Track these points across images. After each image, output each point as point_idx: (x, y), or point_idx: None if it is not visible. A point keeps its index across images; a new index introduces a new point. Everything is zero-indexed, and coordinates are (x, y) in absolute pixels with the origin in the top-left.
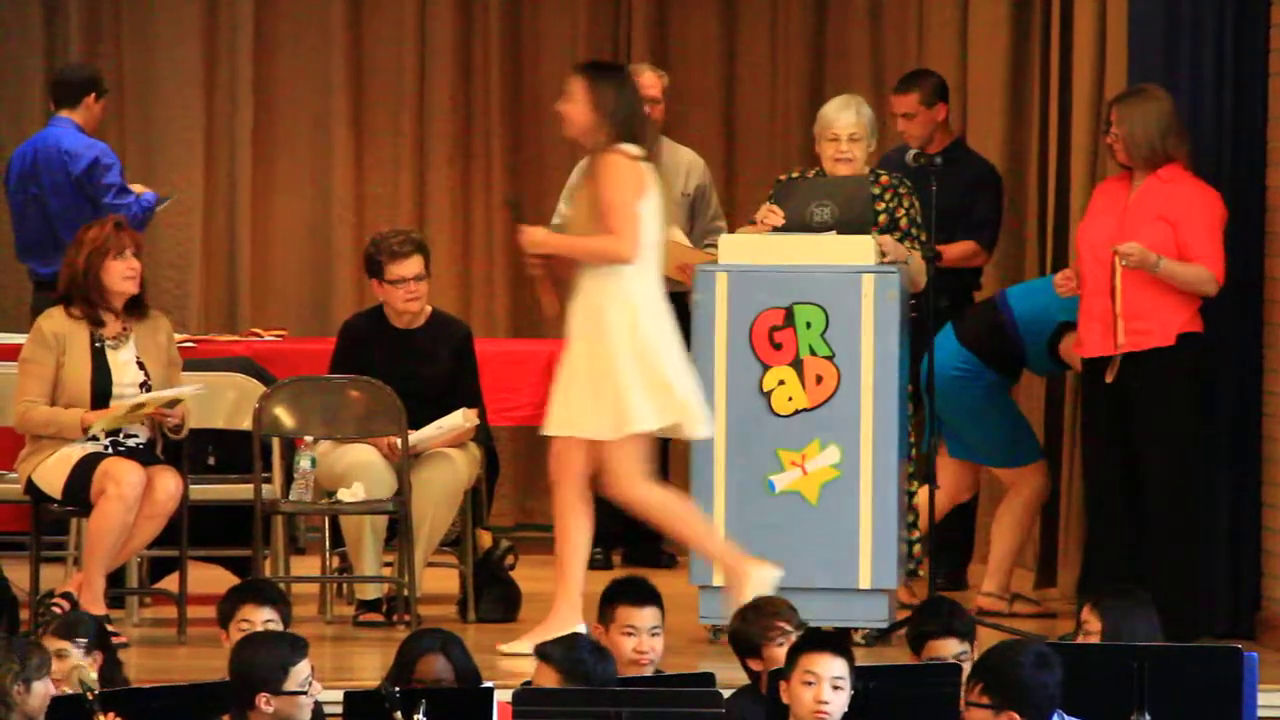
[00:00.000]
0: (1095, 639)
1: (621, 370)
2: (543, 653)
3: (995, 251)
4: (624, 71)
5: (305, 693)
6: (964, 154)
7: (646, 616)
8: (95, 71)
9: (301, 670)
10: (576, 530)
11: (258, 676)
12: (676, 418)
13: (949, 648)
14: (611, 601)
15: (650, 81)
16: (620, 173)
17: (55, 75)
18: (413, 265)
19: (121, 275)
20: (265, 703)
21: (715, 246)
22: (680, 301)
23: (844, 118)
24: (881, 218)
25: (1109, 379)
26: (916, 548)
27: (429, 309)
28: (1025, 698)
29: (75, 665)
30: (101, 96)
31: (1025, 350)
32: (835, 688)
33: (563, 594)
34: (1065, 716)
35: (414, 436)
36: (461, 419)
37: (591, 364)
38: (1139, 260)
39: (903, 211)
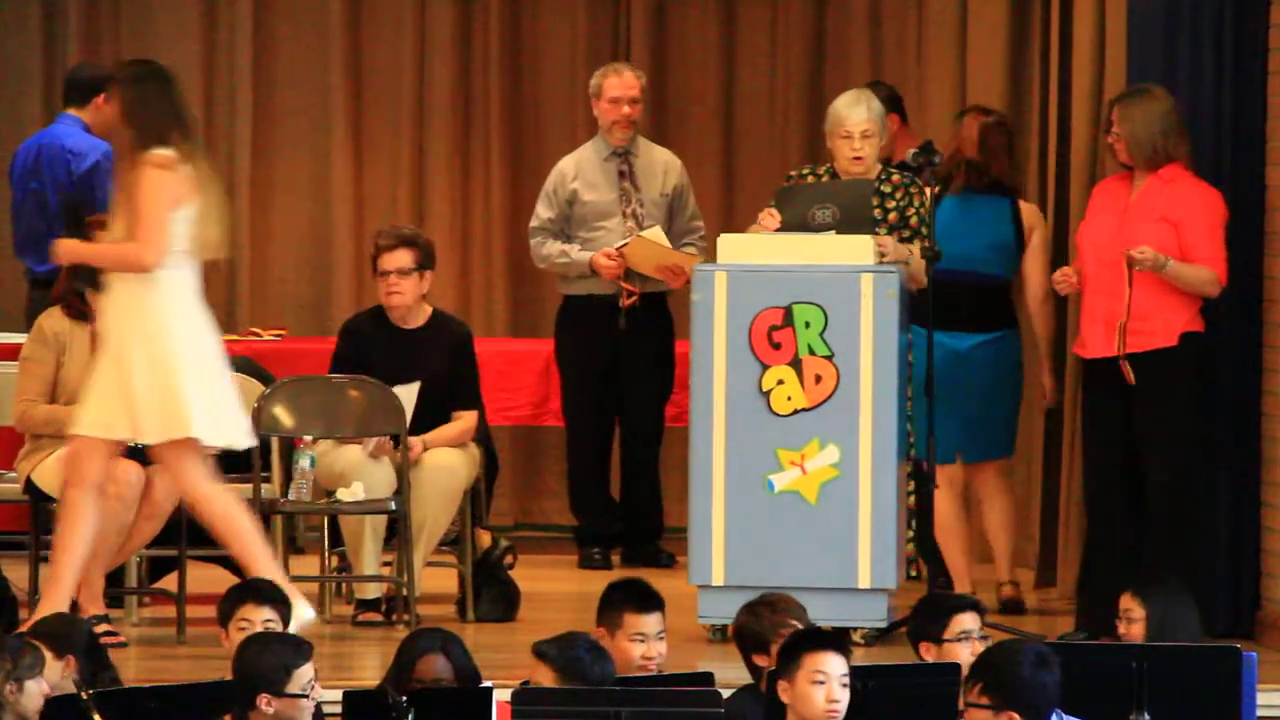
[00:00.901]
0: (1139, 626)
1: (142, 374)
2: (539, 651)
3: None
4: (153, 70)
5: (307, 696)
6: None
7: (653, 623)
8: (108, 73)
9: (305, 673)
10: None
11: (261, 677)
12: (180, 430)
13: (973, 621)
14: (616, 607)
15: (629, 82)
16: (152, 183)
17: (68, 73)
18: (396, 259)
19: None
20: (266, 704)
21: (693, 246)
22: (659, 302)
23: (855, 114)
24: (892, 215)
25: (1131, 380)
26: (910, 547)
27: (429, 309)
28: (1025, 698)
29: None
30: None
31: (997, 275)
32: (843, 685)
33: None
34: (1064, 716)
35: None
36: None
37: (120, 367)
38: (1151, 263)
39: (913, 210)
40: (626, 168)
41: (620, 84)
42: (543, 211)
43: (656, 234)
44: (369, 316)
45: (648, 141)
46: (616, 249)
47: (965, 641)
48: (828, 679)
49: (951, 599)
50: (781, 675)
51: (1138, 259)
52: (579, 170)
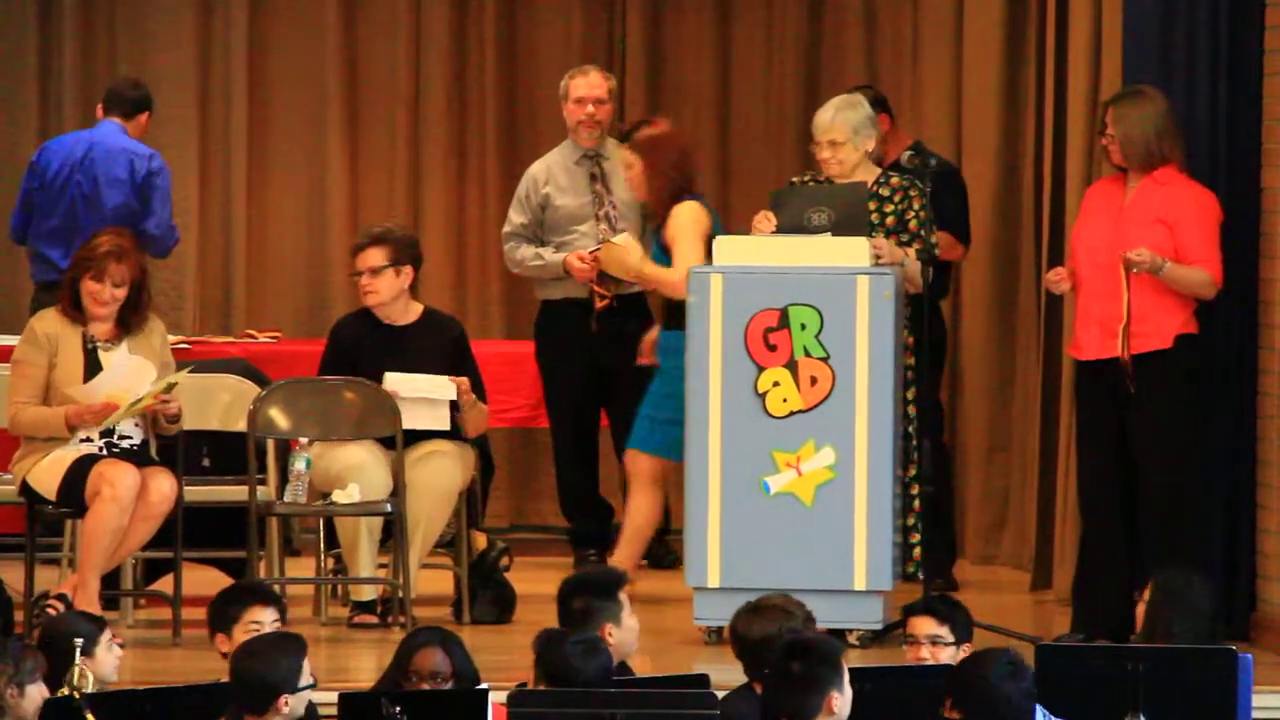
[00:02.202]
0: (1141, 605)
1: None
2: (538, 647)
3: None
4: None
5: (313, 685)
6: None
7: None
8: (148, 91)
9: (307, 665)
10: None
11: (281, 680)
12: None
13: (924, 626)
14: (614, 590)
15: (594, 82)
16: None
17: (113, 86)
18: (367, 258)
19: (91, 296)
20: (284, 703)
21: None
22: (638, 302)
23: (821, 121)
24: (889, 219)
25: (1133, 389)
26: (917, 550)
27: (419, 306)
28: (995, 709)
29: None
30: (151, 114)
31: None
32: None
33: None
34: (1051, 717)
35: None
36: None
37: None
38: (1149, 266)
39: (912, 214)
40: (598, 170)
41: (586, 84)
42: (515, 217)
43: (627, 240)
44: (359, 317)
45: (616, 143)
46: (590, 253)
47: (913, 645)
48: None
49: (916, 603)
50: (835, 688)
51: (1135, 262)
52: (550, 175)
